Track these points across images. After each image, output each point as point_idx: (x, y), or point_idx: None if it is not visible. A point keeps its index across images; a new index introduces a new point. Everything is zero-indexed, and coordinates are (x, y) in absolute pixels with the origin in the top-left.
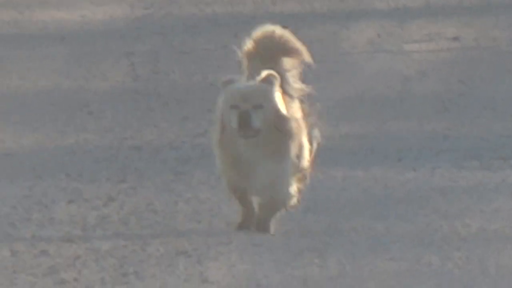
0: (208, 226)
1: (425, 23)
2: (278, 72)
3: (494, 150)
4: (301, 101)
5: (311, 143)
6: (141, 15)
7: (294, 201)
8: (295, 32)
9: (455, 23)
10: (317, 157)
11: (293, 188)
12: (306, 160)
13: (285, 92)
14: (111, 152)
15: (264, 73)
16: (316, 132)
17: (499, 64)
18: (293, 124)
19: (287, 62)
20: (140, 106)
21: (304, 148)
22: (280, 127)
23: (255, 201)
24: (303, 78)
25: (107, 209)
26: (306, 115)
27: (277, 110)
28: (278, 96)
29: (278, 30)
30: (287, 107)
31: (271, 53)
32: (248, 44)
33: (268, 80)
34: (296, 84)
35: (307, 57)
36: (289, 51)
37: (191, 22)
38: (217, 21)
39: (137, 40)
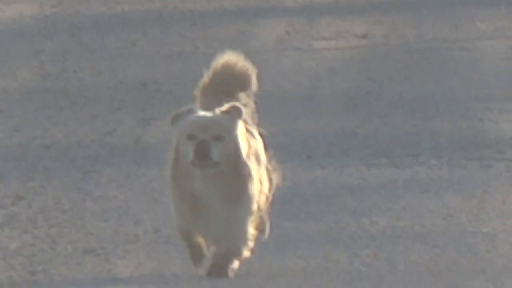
0: (116, 224)
1: (333, 20)
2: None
3: (403, 148)
4: (261, 135)
5: (270, 180)
6: (50, 13)
7: (249, 248)
8: (204, 31)
9: (364, 21)
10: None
11: (250, 235)
12: (263, 201)
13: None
14: (20, 151)
15: (228, 105)
16: (275, 176)
17: (408, 61)
18: (250, 167)
19: (243, 97)
20: (49, 105)
21: (263, 188)
22: (238, 169)
23: (207, 247)
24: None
25: (15, 207)
26: (266, 150)
27: (237, 147)
28: (241, 131)
29: (240, 62)
30: (249, 143)
31: (229, 87)
32: (206, 77)
33: (231, 113)
34: (254, 119)
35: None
36: (248, 85)
37: (100, 20)
38: (126, 19)
39: (46, 38)
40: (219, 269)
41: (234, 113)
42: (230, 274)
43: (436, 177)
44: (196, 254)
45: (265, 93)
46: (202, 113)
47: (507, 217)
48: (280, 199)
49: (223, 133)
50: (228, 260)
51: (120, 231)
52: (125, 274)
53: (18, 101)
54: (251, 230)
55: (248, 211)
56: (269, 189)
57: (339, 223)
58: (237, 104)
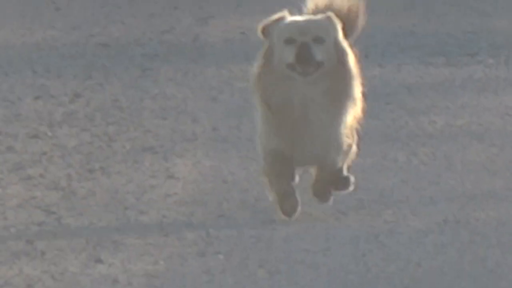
0: (174, 122)
1: None
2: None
3: (460, 47)
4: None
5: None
6: None
7: (354, 151)
8: None
9: None
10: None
11: (350, 138)
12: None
13: None
14: (77, 49)
15: (325, 14)
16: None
17: None
18: (354, 67)
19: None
20: (107, 3)
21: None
22: (343, 62)
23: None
24: None
25: (73, 105)
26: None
27: (339, 47)
28: (340, 34)
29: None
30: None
31: None
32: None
33: (329, 19)
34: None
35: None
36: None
37: None
38: None
39: None
40: (323, 193)
41: (333, 20)
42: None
43: (494, 76)
44: (286, 196)
45: None
46: (297, 17)
47: None
48: None
49: (323, 34)
50: (330, 183)
51: (178, 129)
52: (183, 172)
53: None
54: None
55: (349, 117)
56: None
57: (397, 121)
58: (331, 14)
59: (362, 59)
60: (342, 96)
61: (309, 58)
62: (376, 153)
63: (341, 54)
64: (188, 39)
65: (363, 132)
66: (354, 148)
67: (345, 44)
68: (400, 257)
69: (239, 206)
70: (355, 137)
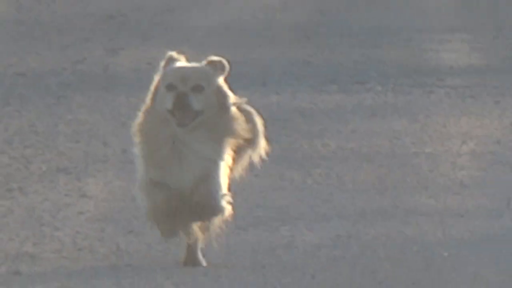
0: (87, 145)
1: None
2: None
3: (351, 75)
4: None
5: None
6: None
7: (227, 211)
8: None
9: None
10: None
11: (225, 198)
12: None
13: None
14: None
15: (213, 57)
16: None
17: None
18: (238, 116)
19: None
20: (23, 35)
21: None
22: (223, 106)
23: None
24: None
25: None
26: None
27: (221, 90)
28: (222, 81)
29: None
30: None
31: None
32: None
33: (217, 64)
34: None
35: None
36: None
37: None
38: None
39: None
40: (193, 251)
41: (221, 66)
42: (203, 262)
43: (382, 102)
44: (166, 208)
45: (225, 25)
46: (182, 63)
47: (447, 139)
48: None
49: (203, 82)
50: (202, 217)
51: (90, 151)
52: (95, 191)
53: None
54: (225, 192)
55: (225, 164)
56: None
57: (293, 144)
58: (221, 59)
59: (260, 87)
60: (217, 141)
61: (186, 107)
62: (273, 174)
63: (223, 98)
64: (99, 68)
65: (264, 155)
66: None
67: (226, 88)
68: (296, 269)
69: (147, 222)
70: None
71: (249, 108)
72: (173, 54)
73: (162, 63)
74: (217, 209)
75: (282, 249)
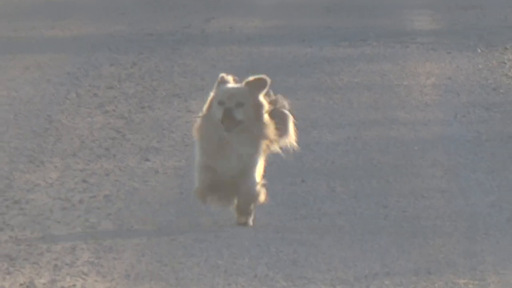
0: (191, 79)
1: None
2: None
3: (357, 35)
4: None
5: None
6: None
7: (262, 197)
8: None
9: None
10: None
11: (260, 185)
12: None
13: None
14: (133, 36)
15: (255, 76)
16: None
17: None
18: (267, 123)
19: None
20: (150, 8)
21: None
22: (259, 116)
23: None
24: None
25: (132, 69)
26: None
27: (257, 104)
28: (260, 97)
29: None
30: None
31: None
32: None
33: (255, 83)
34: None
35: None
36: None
37: None
38: None
39: None
40: (244, 210)
41: (258, 84)
42: (251, 217)
43: (376, 53)
44: (210, 187)
45: (281, 2)
46: (231, 84)
47: (417, 76)
48: None
49: (243, 100)
50: (248, 201)
51: (193, 83)
52: (196, 108)
53: None
54: (259, 180)
55: (260, 157)
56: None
57: (320, 79)
58: (264, 76)
59: (300, 43)
60: (256, 139)
61: (231, 119)
62: (306, 98)
63: (257, 110)
64: (199, 31)
65: None
66: (263, 193)
67: (262, 101)
68: (323, 157)
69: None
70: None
71: (284, 110)
72: (224, 75)
73: (216, 83)
74: (254, 195)
75: (313, 144)
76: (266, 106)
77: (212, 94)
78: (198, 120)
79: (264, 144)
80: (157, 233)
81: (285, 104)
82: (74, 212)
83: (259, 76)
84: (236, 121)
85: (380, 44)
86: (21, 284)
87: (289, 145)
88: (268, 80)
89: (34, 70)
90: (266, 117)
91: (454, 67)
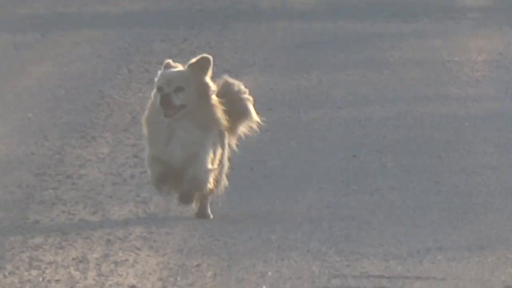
0: (242, 55)
1: None
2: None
3: (409, 12)
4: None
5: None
6: None
7: (208, 186)
8: None
9: None
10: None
11: (210, 173)
12: (225, 162)
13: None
14: (185, 13)
15: (198, 57)
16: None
17: None
18: (216, 105)
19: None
20: None
21: (223, 148)
22: (204, 97)
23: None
24: None
25: (183, 45)
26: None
27: (202, 86)
28: (205, 78)
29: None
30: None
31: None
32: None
33: (199, 63)
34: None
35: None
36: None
37: None
38: None
39: None
40: (186, 194)
41: (201, 64)
42: (193, 203)
43: (428, 29)
44: (161, 177)
45: None
46: (172, 68)
47: (468, 52)
48: None
49: (183, 84)
50: (193, 186)
51: (245, 59)
52: (246, 83)
53: None
54: (211, 166)
55: (211, 145)
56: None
57: (374, 53)
58: (206, 55)
59: (352, 18)
60: (206, 122)
61: (169, 105)
62: (358, 73)
63: (202, 92)
64: (250, 7)
65: None
66: (224, 179)
67: (207, 82)
68: (377, 130)
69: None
70: (224, 169)
71: (236, 86)
72: (169, 61)
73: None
74: (200, 181)
75: (364, 120)
76: (212, 87)
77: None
78: (147, 109)
79: (218, 128)
80: (209, 208)
81: (237, 84)
82: (125, 187)
83: (200, 56)
84: (175, 107)
85: (431, 20)
86: (73, 259)
87: (252, 127)
88: (211, 59)
89: (86, 45)
90: (213, 98)
91: (505, 42)
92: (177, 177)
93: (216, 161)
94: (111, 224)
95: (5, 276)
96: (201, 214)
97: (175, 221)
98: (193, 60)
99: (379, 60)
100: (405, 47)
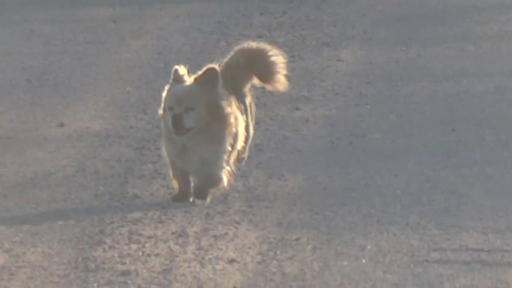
0: (341, 28)
1: None
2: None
3: None
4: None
5: (247, 131)
6: None
7: (224, 182)
8: None
9: None
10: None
11: (225, 171)
12: (241, 144)
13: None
14: None
15: (204, 69)
16: (251, 128)
17: None
18: (228, 114)
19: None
20: None
21: (240, 135)
22: (216, 115)
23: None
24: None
25: (282, 18)
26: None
27: (212, 104)
28: (215, 92)
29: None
30: (229, 104)
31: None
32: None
33: (206, 76)
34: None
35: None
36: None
37: None
38: None
39: None
40: (200, 190)
41: (209, 78)
42: (207, 198)
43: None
44: (184, 188)
45: None
46: (182, 84)
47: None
48: None
49: (193, 103)
50: (207, 185)
51: (344, 32)
52: (346, 57)
53: None
54: (226, 168)
55: (223, 154)
56: (246, 130)
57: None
58: (212, 66)
59: None
60: (213, 142)
61: (180, 126)
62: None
63: (214, 107)
64: None
65: None
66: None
67: (217, 96)
68: (474, 106)
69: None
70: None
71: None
72: (177, 69)
73: (171, 78)
74: (215, 180)
75: (463, 94)
76: (223, 98)
77: (166, 90)
78: (161, 119)
79: (230, 135)
80: (308, 182)
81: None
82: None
83: (206, 69)
84: (186, 128)
85: None
86: (173, 233)
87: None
88: (218, 70)
89: (184, 18)
90: (224, 111)
91: None
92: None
93: (235, 153)
94: (210, 198)
95: (104, 250)
96: (199, 192)
97: (274, 195)
98: (200, 73)
99: (477, 33)
100: (504, 20)
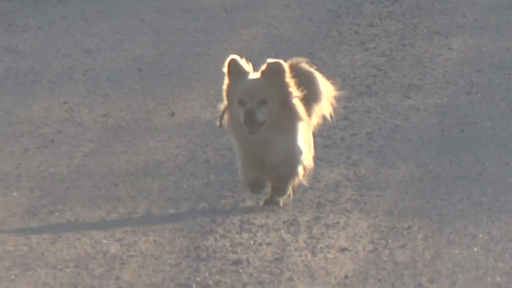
0: (452, 16)
1: None
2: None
3: None
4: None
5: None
6: None
7: (300, 176)
8: None
9: None
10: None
11: (303, 157)
12: (310, 153)
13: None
14: None
15: (269, 62)
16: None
17: None
18: (298, 105)
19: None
20: None
21: (311, 142)
22: (288, 102)
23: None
24: None
25: (392, 7)
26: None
27: (284, 91)
28: (284, 83)
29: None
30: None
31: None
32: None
33: (272, 72)
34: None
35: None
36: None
37: None
38: None
39: None
40: (281, 186)
41: (276, 71)
42: (288, 193)
43: None
44: (253, 184)
45: None
46: (250, 77)
47: None
48: None
49: (266, 96)
50: (288, 178)
51: (455, 20)
52: (457, 46)
53: None
54: (305, 154)
55: (301, 143)
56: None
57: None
58: (276, 61)
59: None
60: (289, 127)
61: (253, 121)
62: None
63: (285, 99)
64: None
65: None
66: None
67: (287, 86)
68: (491, 99)
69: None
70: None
71: (308, 69)
72: (235, 58)
73: (226, 67)
74: (297, 172)
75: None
76: (293, 88)
77: (226, 81)
78: (226, 112)
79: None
80: (419, 170)
81: (301, 62)
82: (335, 149)
83: (272, 62)
84: (260, 123)
85: None
86: (284, 222)
87: (325, 112)
88: (283, 63)
89: (295, 8)
90: (294, 101)
91: None
92: (271, 173)
93: (311, 148)
94: (321, 187)
95: (216, 240)
96: (272, 201)
97: (385, 183)
98: (264, 67)
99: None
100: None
